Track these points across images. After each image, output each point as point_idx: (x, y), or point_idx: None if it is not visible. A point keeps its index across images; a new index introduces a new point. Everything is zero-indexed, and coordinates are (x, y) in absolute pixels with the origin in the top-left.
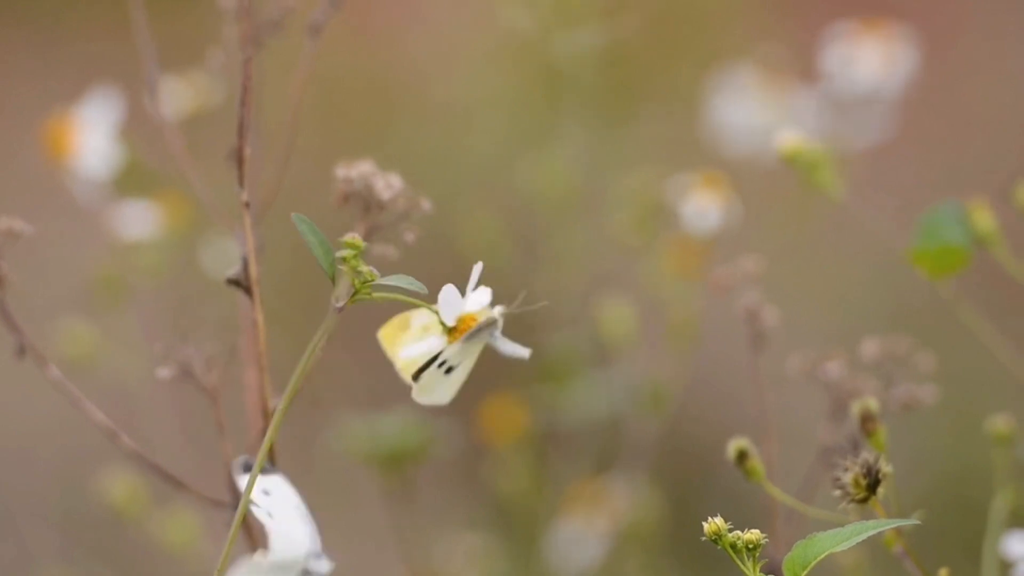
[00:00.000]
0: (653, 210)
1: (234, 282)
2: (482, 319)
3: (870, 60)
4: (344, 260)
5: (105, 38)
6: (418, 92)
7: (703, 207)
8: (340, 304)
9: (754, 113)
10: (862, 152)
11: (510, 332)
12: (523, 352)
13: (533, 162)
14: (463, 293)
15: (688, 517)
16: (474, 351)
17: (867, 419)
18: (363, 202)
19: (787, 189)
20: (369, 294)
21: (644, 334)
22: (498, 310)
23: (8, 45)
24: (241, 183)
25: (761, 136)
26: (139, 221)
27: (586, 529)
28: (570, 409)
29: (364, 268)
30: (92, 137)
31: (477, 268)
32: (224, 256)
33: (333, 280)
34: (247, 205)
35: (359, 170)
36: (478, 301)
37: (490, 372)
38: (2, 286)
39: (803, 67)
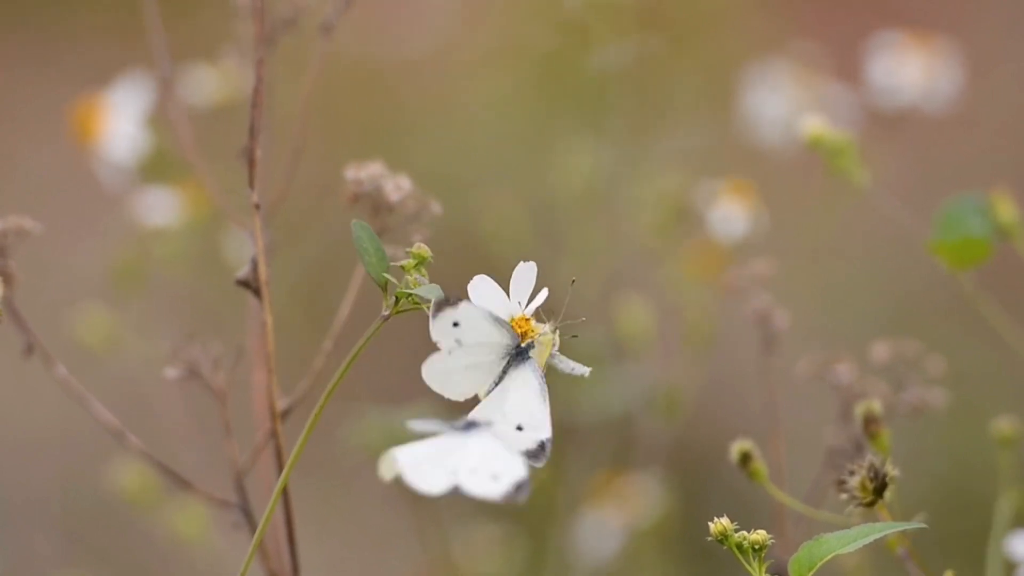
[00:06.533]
0: (678, 213)
1: (243, 283)
2: (539, 339)
3: (915, 74)
4: (404, 268)
5: (110, 41)
6: (420, 90)
7: (730, 214)
8: (387, 312)
9: (787, 106)
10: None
11: None
12: (583, 370)
13: (555, 160)
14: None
15: (700, 515)
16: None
17: (870, 421)
18: (372, 203)
19: (813, 187)
20: (415, 304)
21: (661, 335)
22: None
23: (14, 48)
24: (252, 184)
25: (791, 128)
26: (161, 209)
27: (601, 524)
28: (586, 405)
29: (419, 278)
30: (121, 123)
31: (542, 295)
32: (246, 246)
33: (384, 289)
34: (257, 207)
35: (368, 171)
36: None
37: None
38: (10, 284)
39: (838, 64)
